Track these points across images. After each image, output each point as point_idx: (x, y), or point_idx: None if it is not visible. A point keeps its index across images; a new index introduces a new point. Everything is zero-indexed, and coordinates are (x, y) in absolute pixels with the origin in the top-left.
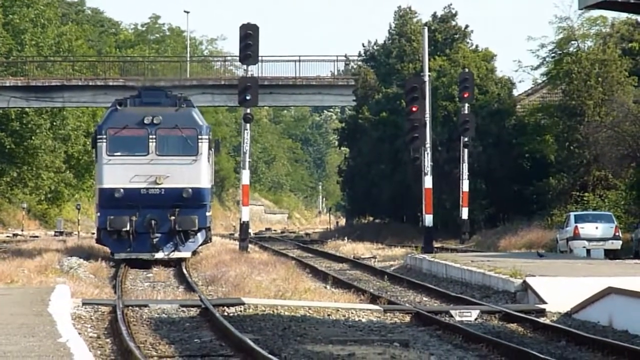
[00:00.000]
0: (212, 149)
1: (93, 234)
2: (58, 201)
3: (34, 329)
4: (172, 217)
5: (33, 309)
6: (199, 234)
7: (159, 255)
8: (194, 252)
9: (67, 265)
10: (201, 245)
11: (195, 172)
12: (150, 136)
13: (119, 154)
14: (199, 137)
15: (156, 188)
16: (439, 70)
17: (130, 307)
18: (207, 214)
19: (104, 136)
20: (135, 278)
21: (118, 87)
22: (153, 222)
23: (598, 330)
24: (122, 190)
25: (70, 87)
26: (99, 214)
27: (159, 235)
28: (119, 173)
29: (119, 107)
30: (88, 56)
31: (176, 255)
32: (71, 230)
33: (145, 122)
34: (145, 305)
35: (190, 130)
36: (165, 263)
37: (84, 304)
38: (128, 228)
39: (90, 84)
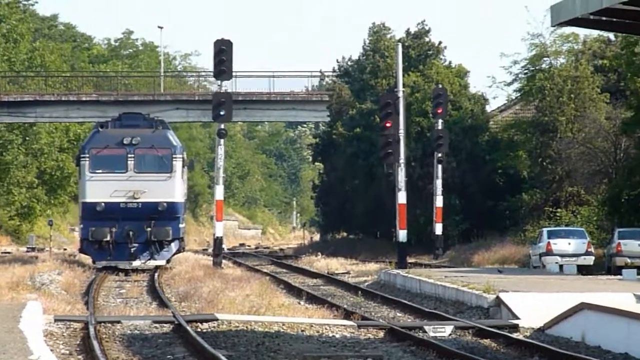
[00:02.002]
0: (186, 167)
1: (65, 249)
2: (30, 217)
3: (5, 345)
4: (148, 229)
5: (4, 326)
6: (172, 244)
7: (136, 263)
8: (169, 261)
9: (39, 282)
10: (175, 254)
11: (169, 188)
12: (129, 155)
13: (100, 171)
14: (174, 156)
15: (134, 202)
16: (412, 86)
17: (102, 324)
18: (181, 225)
19: (87, 155)
20: (108, 294)
21: (91, 102)
22: (131, 233)
23: (571, 346)
24: (103, 204)
25: (43, 103)
26: (82, 225)
27: (136, 245)
28: (101, 188)
29: (100, 129)
30: (61, 71)
31: (152, 263)
32: (43, 246)
33: (125, 142)
34: (118, 322)
35: (165, 150)
36: (140, 274)
37: (56, 320)
38: (108, 238)
39: (63, 99)
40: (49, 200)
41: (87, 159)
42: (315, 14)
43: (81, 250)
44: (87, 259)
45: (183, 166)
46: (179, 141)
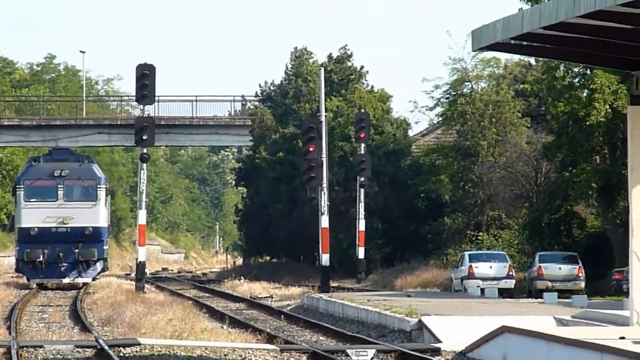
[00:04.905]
0: (109, 196)
1: None
2: None
3: None
4: (76, 250)
5: None
6: (98, 263)
7: (66, 280)
8: (94, 278)
9: None
10: (100, 272)
11: (94, 214)
12: (59, 186)
13: (34, 200)
14: (98, 186)
15: (63, 227)
16: (335, 111)
17: (25, 348)
18: (105, 247)
19: (22, 186)
20: (31, 319)
21: (13, 126)
22: (61, 254)
23: None
24: (36, 228)
25: None
26: (18, 248)
27: (66, 264)
28: (34, 215)
29: (34, 163)
30: None
31: (80, 280)
32: None
33: (55, 174)
34: (41, 346)
35: (91, 181)
36: (62, 299)
37: None
38: (41, 259)
39: None
40: None
41: (22, 189)
42: (238, 39)
43: (17, 270)
44: (9, 284)
45: (106, 195)
46: (103, 172)
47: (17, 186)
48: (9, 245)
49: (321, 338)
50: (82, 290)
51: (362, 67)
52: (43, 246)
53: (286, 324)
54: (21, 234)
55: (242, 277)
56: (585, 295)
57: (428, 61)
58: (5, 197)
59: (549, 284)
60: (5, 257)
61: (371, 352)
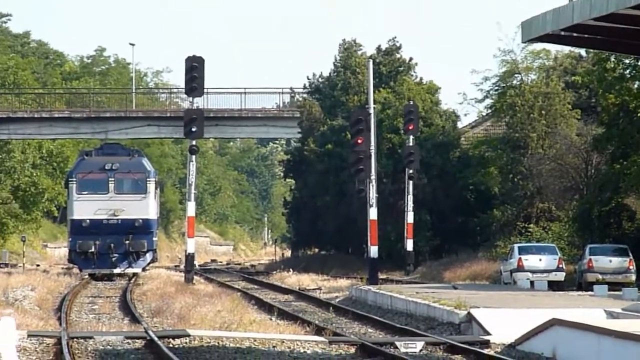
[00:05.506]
0: (158, 188)
1: (38, 265)
2: (2, 233)
3: None
4: (127, 241)
5: None
6: (147, 254)
7: (117, 270)
8: (144, 269)
9: (12, 297)
10: (149, 263)
11: (144, 206)
12: (110, 179)
13: (85, 192)
14: (148, 179)
15: (114, 219)
16: (383, 103)
17: (75, 339)
18: (154, 239)
19: (74, 179)
20: (81, 310)
21: (63, 118)
22: (112, 245)
23: None
24: (88, 220)
25: (16, 120)
26: (70, 239)
27: (116, 255)
28: (86, 207)
29: (85, 157)
30: (33, 88)
31: (130, 270)
32: (16, 262)
33: (106, 168)
34: (91, 337)
35: (141, 174)
36: (112, 290)
37: (29, 335)
38: (93, 250)
39: (36, 116)
40: (23, 216)
41: (75, 182)
42: (286, 31)
43: (70, 260)
44: (60, 275)
45: (156, 188)
46: (152, 166)
47: (70, 179)
48: (59, 236)
49: (370, 330)
50: (131, 282)
51: (410, 59)
52: (95, 237)
53: (335, 315)
54: (73, 225)
55: (290, 269)
56: (636, 288)
57: (477, 53)
58: (55, 189)
59: (599, 276)
60: (56, 248)
61: (420, 344)
